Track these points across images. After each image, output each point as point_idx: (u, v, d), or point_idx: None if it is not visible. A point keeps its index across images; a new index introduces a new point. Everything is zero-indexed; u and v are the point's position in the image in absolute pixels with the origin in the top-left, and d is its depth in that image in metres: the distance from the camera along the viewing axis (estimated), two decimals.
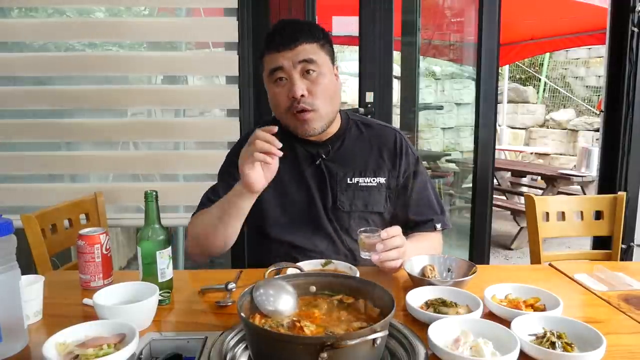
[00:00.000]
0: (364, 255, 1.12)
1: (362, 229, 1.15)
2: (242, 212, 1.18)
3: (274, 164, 1.11)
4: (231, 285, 1.07)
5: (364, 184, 1.34)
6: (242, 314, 0.74)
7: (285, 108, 1.25)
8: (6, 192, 2.23)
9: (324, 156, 1.33)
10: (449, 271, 1.16)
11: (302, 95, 1.21)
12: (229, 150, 1.43)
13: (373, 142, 1.38)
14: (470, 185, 2.66)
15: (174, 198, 2.24)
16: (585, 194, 4.38)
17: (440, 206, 1.41)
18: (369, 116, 2.27)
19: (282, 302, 0.82)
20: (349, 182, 1.33)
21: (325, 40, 1.28)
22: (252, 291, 0.82)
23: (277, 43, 1.23)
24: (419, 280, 1.09)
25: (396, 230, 1.11)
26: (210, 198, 1.33)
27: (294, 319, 0.80)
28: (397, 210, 1.38)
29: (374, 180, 1.34)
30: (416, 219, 1.38)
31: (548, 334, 0.83)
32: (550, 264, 1.31)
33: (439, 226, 1.38)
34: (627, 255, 2.29)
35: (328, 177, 1.33)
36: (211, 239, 1.22)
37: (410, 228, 1.37)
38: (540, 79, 9.52)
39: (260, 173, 1.11)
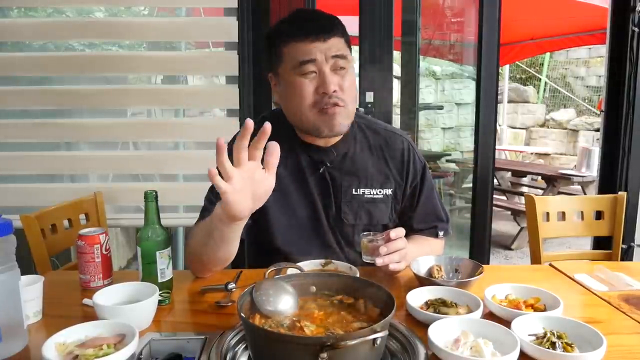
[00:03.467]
0: (367, 259, 1.11)
1: (364, 233, 1.14)
2: (228, 238, 1.02)
3: (265, 181, 0.93)
4: (231, 286, 1.07)
5: (369, 196, 1.28)
6: (242, 314, 0.74)
7: (311, 104, 1.16)
8: (6, 192, 2.23)
9: (328, 164, 1.26)
10: (456, 272, 1.15)
11: (334, 91, 1.15)
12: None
13: (379, 150, 1.31)
14: (471, 185, 2.66)
15: (174, 198, 2.24)
16: (585, 194, 4.38)
17: (444, 213, 1.39)
18: (369, 116, 2.27)
19: (282, 302, 0.82)
20: (354, 193, 1.27)
21: (348, 38, 1.21)
22: (252, 291, 0.82)
23: (310, 31, 1.14)
24: (425, 280, 1.09)
25: (400, 232, 1.10)
26: (211, 200, 1.22)
27: (294, 319, 0.80)
28: (401, 219, 1.34)
29: (380, 192, 1.28)
30: (420, 226, 1.35)
31: (548, 334, 0.83)
32: (550, 264, 1.30)
33: (441, 234, 1.37)
34: (627, 255, 2.29)
35: (332, 187, 1.26)
36: (204, 261, 1.13)
37: (412, 232, 1.34)
38: (540, 78, 9.52)
39: (237, 195, 0.90)
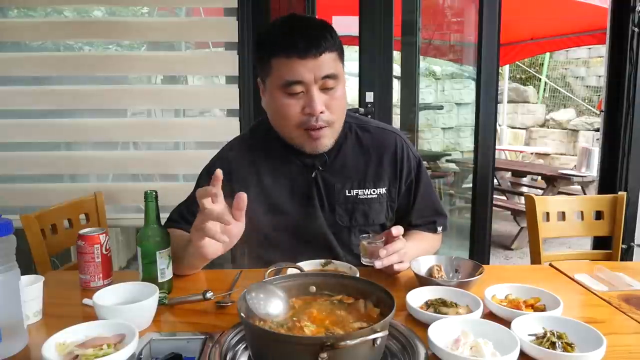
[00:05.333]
0: (366, 261, 1.11)
1: (363, 235, 1.14)
2: (199, 266, 1.16)
3: (235, 229, 1.01)
4: (209, 294, 1.02)
5: (363, 197, 1.26)
6: (242, 314, 0.74)
7: (298, 123, 1.14)
8: (6, 192, 2.23)
9: (320, 167, 1.25)
10: (456, 272, 1.15)
11: (321, 112, 1.12)
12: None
13: (372, 149, 1.29)
14: (470, 185, 2.66)
15: (174, 198, 2.22)
16: (585, 194, 4.38)
17: (441, 207, 1.39)
18: (369, 116, 2.27)
19: (273, 306, 0.81)
20: (347, 194, 1.26)
21: (342, 48, 1.16)
22: (245, 296, 0.81)
23: (300, 48, 1.07)
24: (425, 280, 1.09)
25: (400, 230, 1.10)
26: (183, 216, 1.25)
27: (294, 318, 0.80)
28: (399, 216, 1.34)
29: (374, 191, 1.27)
30: (419, 222, 1.35)
31: (548, 334, 0.83)
32: (550, 264, 1.30)
33: (440, 229, 1.36)
34: (627, 255, 2.29)
35: (325, 190, 1.25)
36: (184, 267, 1.15)
37: (410, 227, 1.34)
38: (540, 78, 9.52)
39: (214, 245, 1.01)
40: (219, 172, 0.95)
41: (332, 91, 1.14)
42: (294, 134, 1.17)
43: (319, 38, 1.09)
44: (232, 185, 1.25)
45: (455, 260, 1.17)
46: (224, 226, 0.98)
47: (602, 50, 2.73)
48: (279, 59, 1.10)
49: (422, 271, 1.14)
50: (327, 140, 1.18)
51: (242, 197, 0.98)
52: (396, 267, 1.08)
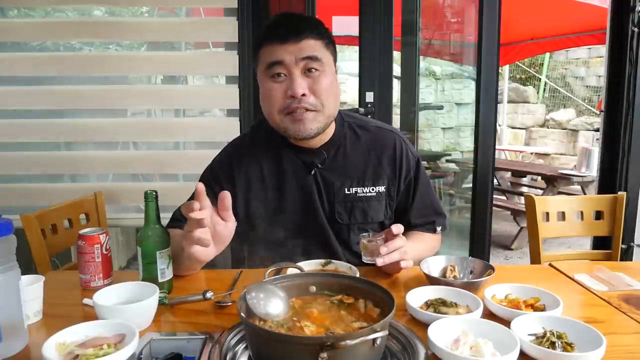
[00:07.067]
0: (367, 259, 1.11)
1: (363, 234, 1.14)
2: (197, 267, 1.16)
3: (225, 230, 1.03)
4: (209, 294, 1.03)
5: (362, 195, 1.27)
6: (242, 314, 0.74)
7: (281, 107, 1.16)
8: (6, 192, 2.23)
9: (319, 165, 1.26)
10: (471, 273, 1.15)
11: (303, 95, 1.13)
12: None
13: (371, 147, 1.30)
14: (470, 185, 2.66)
15: (174, 198, 2.22)
16: (585, 194, 4.38)
17: (440, 207, 1.39)
18: (369, 116, 2.27)
19: (272, 306, 0.81)
20: (346, 192, 1.27)
21: (330, 39, 1.20)
22: (245, 296, 0.81)
23: (281, 34, 1.13)
24: (436, 280, 1.08)
25: (400, 228, 1.10)
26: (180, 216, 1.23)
27: (294, 318, 0.80)
28: (398, 215, 1.34)
29: (372, 189, 1.28)
30: (418, 221, 1.35)
31: (548, 334, 0.83)
32: (550, 264, 1.30)
33: (439, 229, 1.36)
34: (627, 255, 2.29)
35: (324, 188, 1.26)
36: (182, 268, 1.15)
37: (409, 227, 1.34)
38: (540, 78, 9.52)
39: (206, 249, 1.01)
40: (200, 187, 0.97)
41: (317, 75, 1.15)
42: (279, 119, 1.18)
43: (300, 25, 1.15)
44: (234, 185, 1.26)
45: (467, 262, 1.17)
46: (215, 230, 1.01)
47: (602, 50, 2.73)
48: (264, 47, 1.17)
49: (435, 271, 1.13)
50: (312, 124, 1.17)
51: (226, 196, 1.00)
52: (403, 264, 1.09)
